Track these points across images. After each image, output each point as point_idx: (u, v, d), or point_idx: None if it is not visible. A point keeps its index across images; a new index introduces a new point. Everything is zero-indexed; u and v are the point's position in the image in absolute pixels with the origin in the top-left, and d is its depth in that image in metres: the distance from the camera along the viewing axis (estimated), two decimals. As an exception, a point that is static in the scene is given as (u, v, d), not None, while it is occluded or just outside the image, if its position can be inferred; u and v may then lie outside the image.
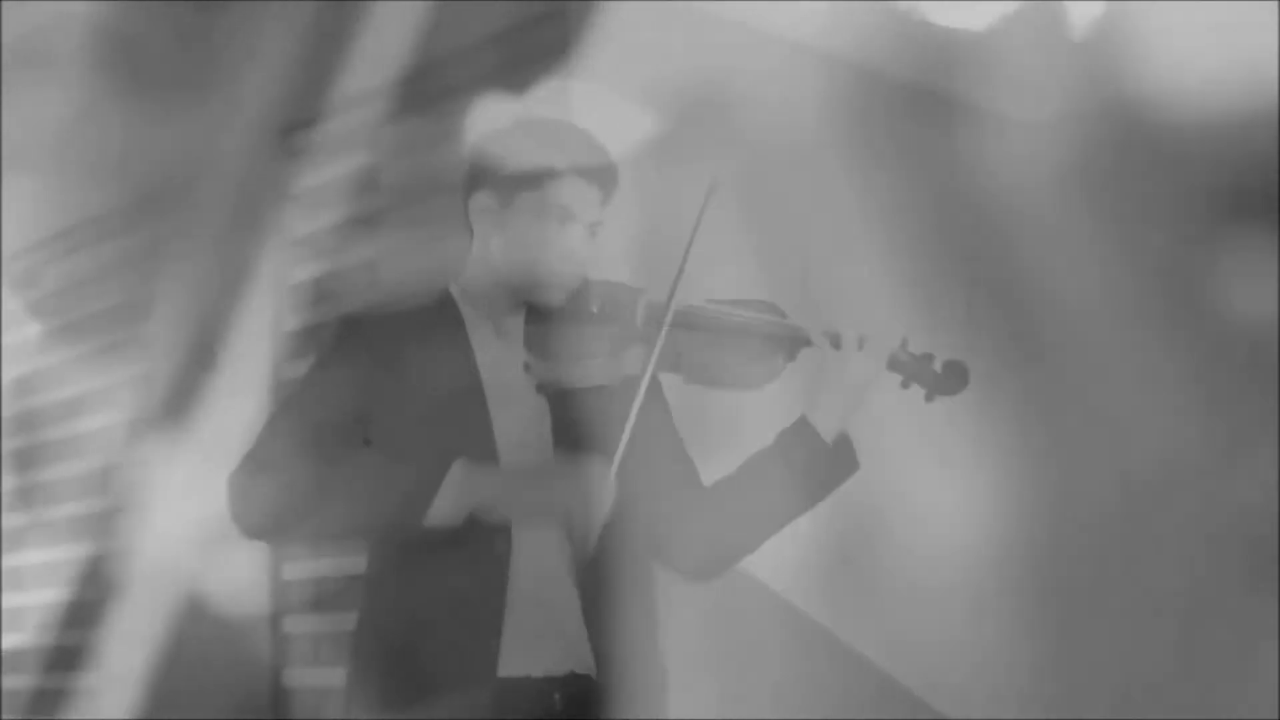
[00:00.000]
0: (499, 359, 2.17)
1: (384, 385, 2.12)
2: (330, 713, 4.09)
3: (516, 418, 2.13)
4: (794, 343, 2.13)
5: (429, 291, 2.28)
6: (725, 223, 2.09)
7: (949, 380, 2.12)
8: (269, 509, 2.09)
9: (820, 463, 2.12)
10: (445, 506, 2.04)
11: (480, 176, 2.20)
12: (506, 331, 2.20)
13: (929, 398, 2.11)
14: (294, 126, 4.13)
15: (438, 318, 2.20)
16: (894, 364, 2.12)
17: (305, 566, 4.10)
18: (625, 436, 2.03)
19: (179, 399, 4.35)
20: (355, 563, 3.94)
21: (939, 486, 2.50)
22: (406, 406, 2.10)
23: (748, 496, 2.15)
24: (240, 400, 4.19)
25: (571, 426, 2.14)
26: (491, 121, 2.25)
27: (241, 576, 4.05)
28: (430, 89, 3.71)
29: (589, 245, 2.17)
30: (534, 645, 2.08)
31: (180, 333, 4.41)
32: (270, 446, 2.13)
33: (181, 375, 4.37)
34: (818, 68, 2.56)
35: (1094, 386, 2.36)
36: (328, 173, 4.10)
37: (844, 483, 2.16)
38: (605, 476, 2.04)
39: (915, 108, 2.50)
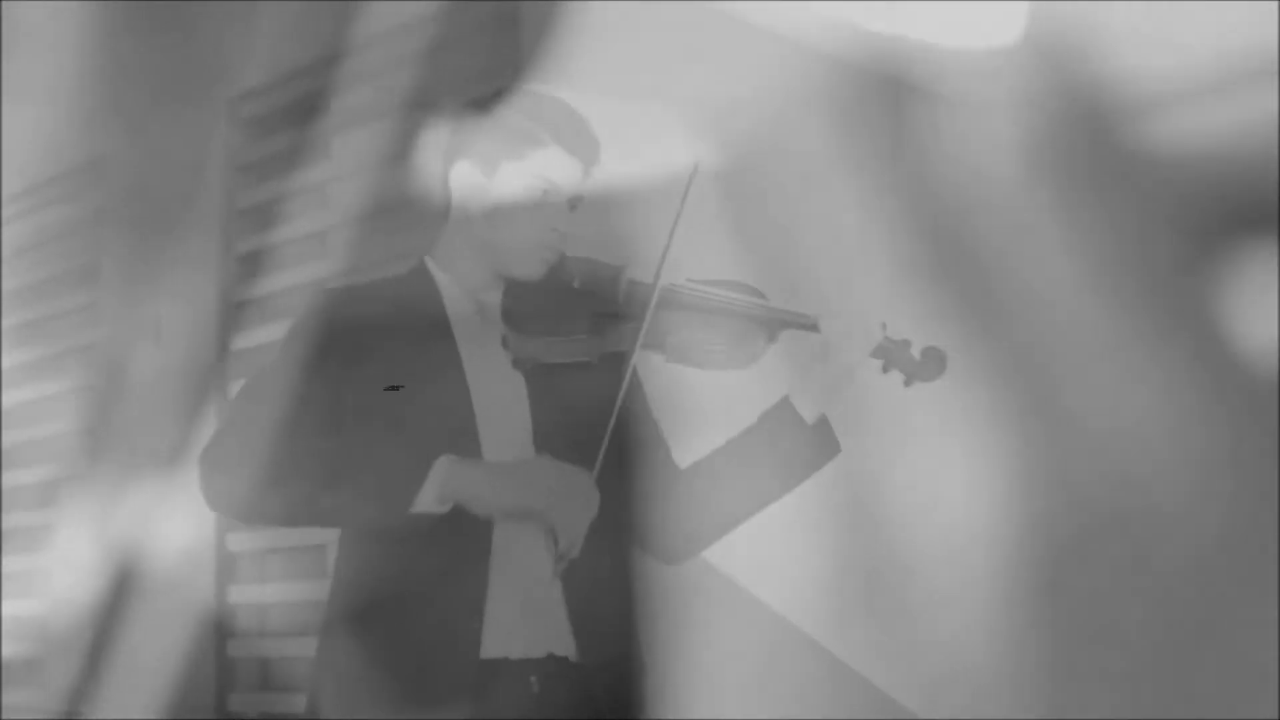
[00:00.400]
0: (478, 333, 2.15)
1: (361, 359, 2.09)
2: (276, 685, 4.09)
3: (496, 394, 2.11)
4: (775, 325, 2.12)
5: (403, 263, 2.26)
6: (705, 206, 2.08)
7: (927, 366, 2.15)
8: (243, 491, 2.05)
9: (802, 445, 2.11)
10: (430, 498, 2.01)
11: (462, 146, 2.18)
12: (485, 305, 2.17)
13: (907, 383, 2.12)
14: (244, 95, 4.10)
15: (414, 290, 2.17)
16: (875, 349, 2.12)
17: (251, 537, 4.08)
18: (605, 443, 2.00)
19: (125, 368, 4.32)
20: (304, 534, 3.94)
21: (931, 482, 2.49)
22: (384, 380, 2.07)
23: (728, 478, 2.14)
24: (185, 372, 4.16)
25: (549, 404, 2.11)
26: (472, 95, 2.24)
27: (185, 546, 4.02)
28: (380, 60, 3.69)
29: (569, 219, 2.15)
30: (514, 627, 2.05)
31: (126, 302, 4.37)
32: (243, 424, 2.09)
33: (127, 345, 4.33)
34: (787, 56, 2.56)
35: (1084, 378, 2.36)
36: (277, 142, 4.07)
37: (823, 466, 2.15)
38: (588, 484, 2.02)
39: (886, 95, 2.51)
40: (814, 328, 2.13)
